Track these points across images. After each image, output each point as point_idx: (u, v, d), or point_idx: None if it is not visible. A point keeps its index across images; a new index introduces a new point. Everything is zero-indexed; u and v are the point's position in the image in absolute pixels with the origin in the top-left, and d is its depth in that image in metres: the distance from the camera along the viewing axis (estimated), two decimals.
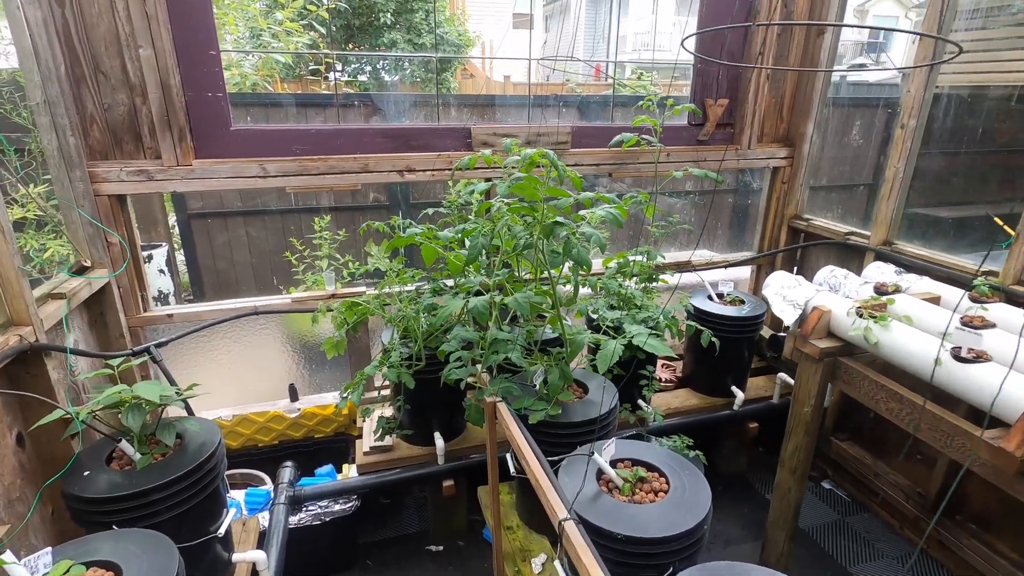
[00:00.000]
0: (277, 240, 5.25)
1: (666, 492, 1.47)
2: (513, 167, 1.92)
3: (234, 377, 2.79)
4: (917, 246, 2.58)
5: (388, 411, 2.56)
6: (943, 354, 1.69)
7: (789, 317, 2.20)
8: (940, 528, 2.45)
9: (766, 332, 3.18)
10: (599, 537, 1.32)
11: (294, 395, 2.80)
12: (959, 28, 2.52)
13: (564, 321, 1.93)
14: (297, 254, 4.18)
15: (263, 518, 2.24)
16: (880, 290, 2.21)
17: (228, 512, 1.80)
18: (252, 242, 5.24)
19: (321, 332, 2.87)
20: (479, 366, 1.91)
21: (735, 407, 2.87)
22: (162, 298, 4.89)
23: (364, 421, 2.63)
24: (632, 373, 2.50)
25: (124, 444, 1.60)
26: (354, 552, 2.58)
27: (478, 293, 1.87)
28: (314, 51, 6.71)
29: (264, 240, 5.23)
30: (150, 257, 4.74)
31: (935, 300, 2.19)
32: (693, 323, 2.28)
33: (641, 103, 2.58)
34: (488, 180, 2.57)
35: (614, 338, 1.85)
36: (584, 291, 2.56)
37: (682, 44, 1.10)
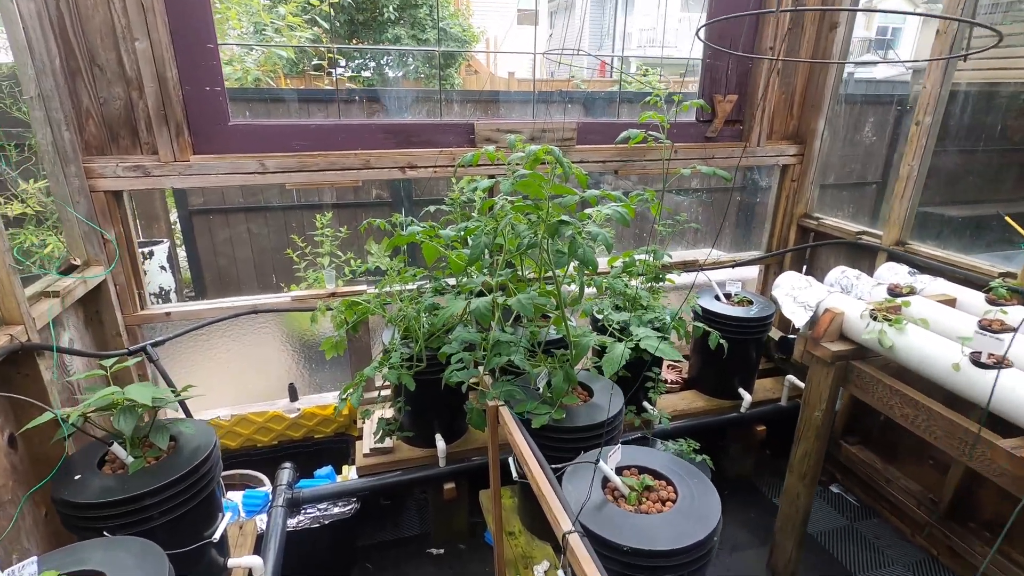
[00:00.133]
0: (279, 237, 5.21)
1: (674, 502, 1.42)
2: (517, 164, 1.87)
3: (233, 376, 2.75)
4: (931, 246, 2.52)
5: (388, 412, 2.51)
6: (962, 359, 1.63)
7: (800, 319, 2.14)
8: (952, 535, 2.39)
9: (775, 334, 3.12)
10: (604, 549, 1.27)
11: (294, 395, 2.76)
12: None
13: (569, 322, 1.88)
14: (298, 251, 4.14)
15: (261, 521, 2.20)
16: (894, 292, 2.15)
17: (224, 516, 1.76)
18: (254, 239, 5.21)
19: (321, 331, 2.82)
20: (481, 368, 1.86)
21: (742, 409, 2.82)
22: (163, 295, 4.86)
23: (364, 423, 2.59)
24: (638, 375, 2.46)
25: (116, 447, 1.55)
26: (353, 555, 2.54)
27: (481, 293, 1.82)
28: (314, 44, 6.65)
29: (266, 237, 5.20)
30: (151, 253, 4.70)
31: (951, 302, 2.13)
32: (701, 324, 2.23)
33: (648, 99, 2.52)
34: (492, 177, 2.52)
35: (620, 340, 1.80)
36: (589, 291, 2.50)
37: (696, 34, 1.05)
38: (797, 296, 2.22)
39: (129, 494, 1.46)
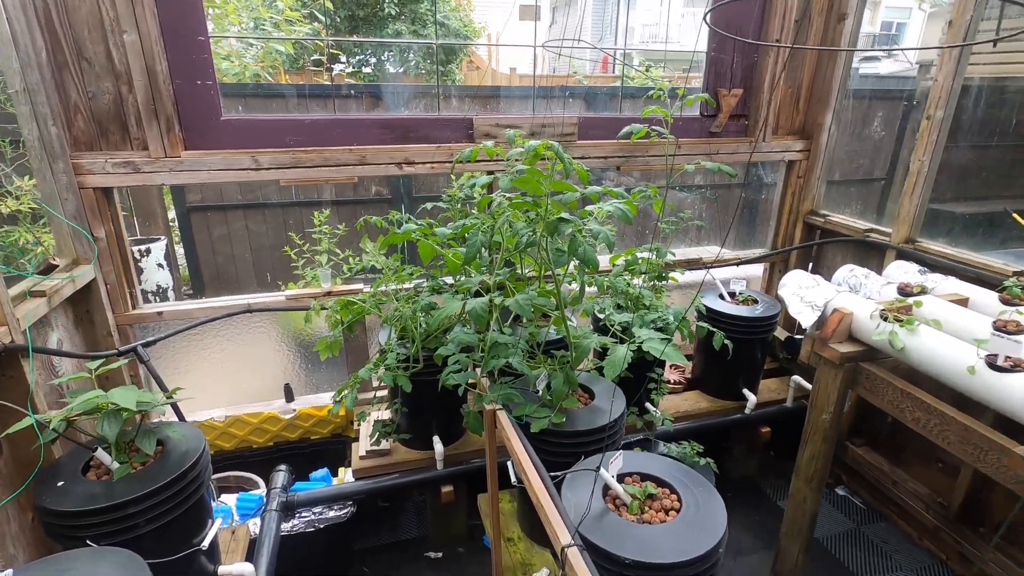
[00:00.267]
0: (277, 234, 5.17)
1: (677, 511, 1.37)
2: (516, 159, 1.81)
3: (228, 377, 2.70)
4: (942, 244, 2.45)
5: (385, 414, 2.46)
6: (977, 362, 1.57)
7: (807, 319, 2.08)
8: (962, 540, 2.34)
9: (781, 334, 3.06)
10: (605, 561, 1.22)
11: (290, 395, 2.71)
12: (991, 16, 2.38)
13: (569, 322, 1.82)
14: (296, 249, 4.09)
15: (254, 525, 2.15)
16: (904, 291, 2.09)
17: (214, 523, 1.71)
18: (252, 236, 5.16)
19: (318, 330, 2.77)
20: (479, 370, 1.81)
21: (747, 411, 2.76)
22: (161, 292, 4.82)
23: (360, 425, 2.53)
24: (640, 375, 2.40)
25: (100, 453, 1.51)
26: (349, 559, 2.49)
27: (479, 293, 1.76)
28: (311, 38, 6.58)
29: (264, 234, 5.15)
30: (148, 251, 4.66)
31: (963, 302, 2.07)
32: (705, 324, 2.17)
33: (652, 92, 2.45)
34: (491, 173, 2.46)
35: (623, 341, 1.74)
36: (590, 290, 2.45)
37: (704, 18, 0.99)
38: (804, 295, 2.16)
39: (113, 501, 1.41)
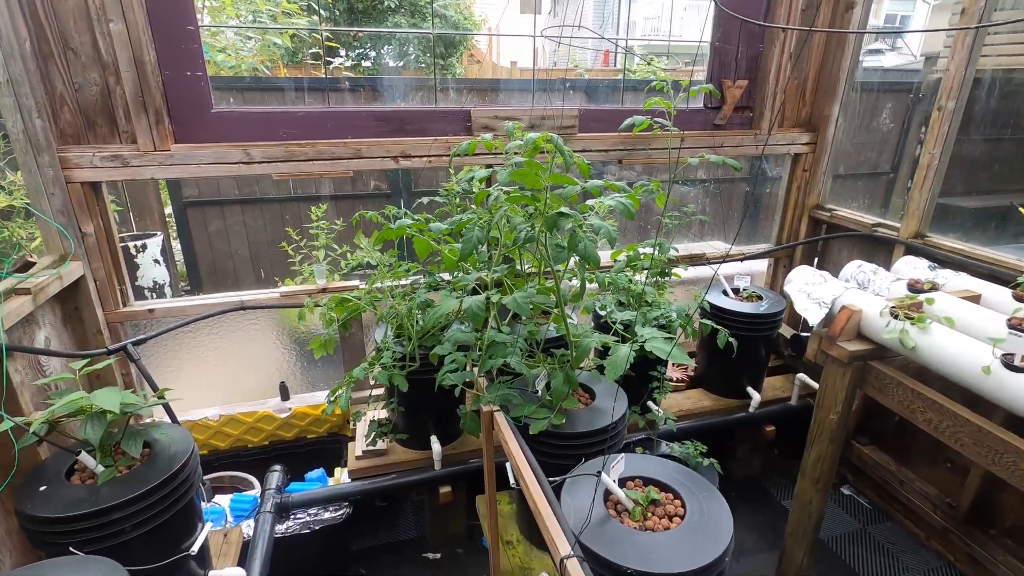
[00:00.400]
0: (275, 229, 5.11)
1: (682, 517, 1.31)
2: (515, 152, 1.75)
3: (222, 375, 2.65)
4: (952, 239, 2.39)
5: (382, 413, 2.41)
6: (993, 362, 1.51)
7: (814, 316, 2.02)
8: (971, 542, 2.29)
9: (786, 331, 3.01)
10: (606, 571, 1.17)
11: (285, 394, 2.66)
12: (1004, 7, 2.31)
13: (569, 320, 1.77)
14: (293, 244, 4.03)
15: (248, 527, 2.11)
16: (915, 287, 2.03)
17: (204, 527, 1.66)
18: (250, 232, 5.11)
19: (314, 328, 2.72)
20: (476, 369, 1.75)
21: (751, 409, 2.70)
22: (158, 288, 4.77)
23: (355, 425, 2.48)
24: (642, 374, 2.35)
25: (84, 456, 1.46)
26: (346, 560, 2.45)
27: (476, 291, 1.71)
28: (306, 28, 6.48)
29: (261, 230, 5.10)
30: (144, 247, 4.60)
31: (975, 298, 2.00)
32: (708, 322, 2.11)
33: (654, 83, 2.38)
34: (489, 167, 2.40)
35: (624, 339, 1.68)
36: (591, 286, 2.39)
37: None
38: (811, 292, 2.10)
39: (96, 507, 1.37)
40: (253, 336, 2.67)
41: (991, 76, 2.35)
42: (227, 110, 2.19)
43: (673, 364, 2.99)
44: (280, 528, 2.16)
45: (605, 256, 2.57)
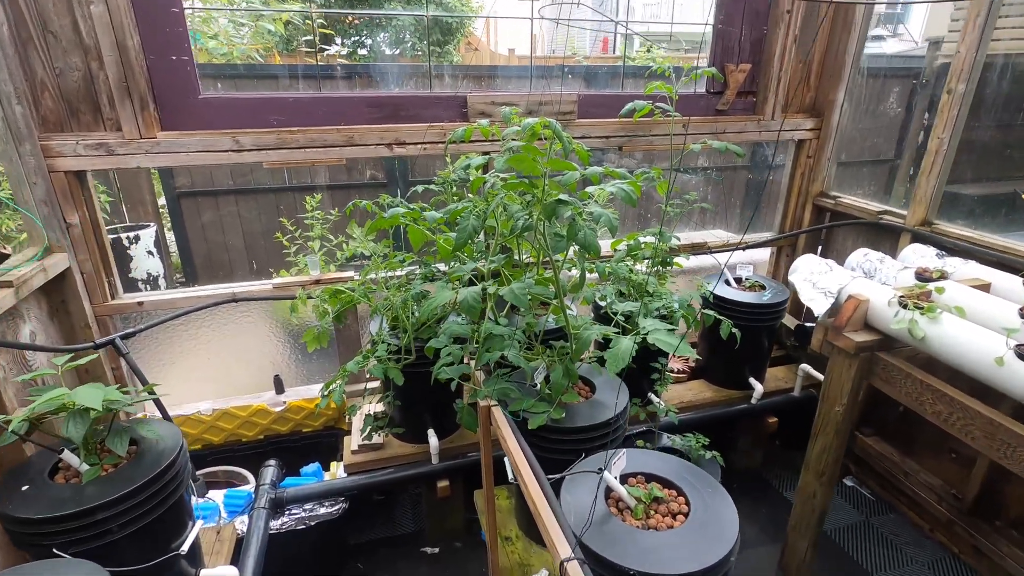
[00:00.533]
0: (270, 219, 5.04)
1: (685, 515, 1.27)
2: (512, 138, 1.69)
3: (215, 368, 2.61)
4: (960, 226, 2.33)
5: (378, 407, 2.37)
6: (1006, 352, 1.47)
7: (819, 306, 1.97)
8: (976, 533, 2.26)
9: (790, 321, 2.96)
10: (607, 571, 1.13)
11: (280, 387, 2.62)
12: None
13: (568, 311, 1.71)
14: (288, 235, 3.97)
15: (241, 523, 2.07)
16: (923, 276, 1.98)
17: (194, 525, 1.62)
18: (244, 222, 5.04)
19: (309, 320, 2.67)
20: (473, 362, 1.70)
21: (753, 400, 2.66)
22: (152, 281, 4.71)
23: (350, 419, 2.44)
24: (643, 365, 2.30)
25: (67, 455, 1.41)
26: (343, 555, 2.42)
27: (472, 282, 1.65)
28: (298, 9, 6.35)
29: (256, 220, 5.03)
30: (137, 238, 4.54)
31: (984, 287, 1.96)
32: (711, 312, 2.06)
33: (655, 68, 2.32)
34: (486, 154, 2.34)
35: (625, 331, 1.63)
36: (590, 276, 2.34)
37: None
38: (817, 281, 2.05)
39: (81, 507, 1.32)
40: (246, 329, 2.62)
41: (1003, 60, 2.27)
42: (214, 96, 2.12)
43: (674, 355, 2.94)
44: (275, 524, 2.12)
45: (605, 245, 2.52)
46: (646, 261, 2.36)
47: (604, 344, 1.57)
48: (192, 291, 2.34)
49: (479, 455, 2.30)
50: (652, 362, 2.28)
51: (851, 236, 2.89)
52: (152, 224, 4.85)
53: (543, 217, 1.34)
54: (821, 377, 2.65)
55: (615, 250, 2.32)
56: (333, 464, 2.42)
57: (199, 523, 1.63)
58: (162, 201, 5.25)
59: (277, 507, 2.12)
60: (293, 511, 2.18)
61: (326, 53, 6.94)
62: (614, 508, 1.31)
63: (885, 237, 2.65)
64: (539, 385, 1.71)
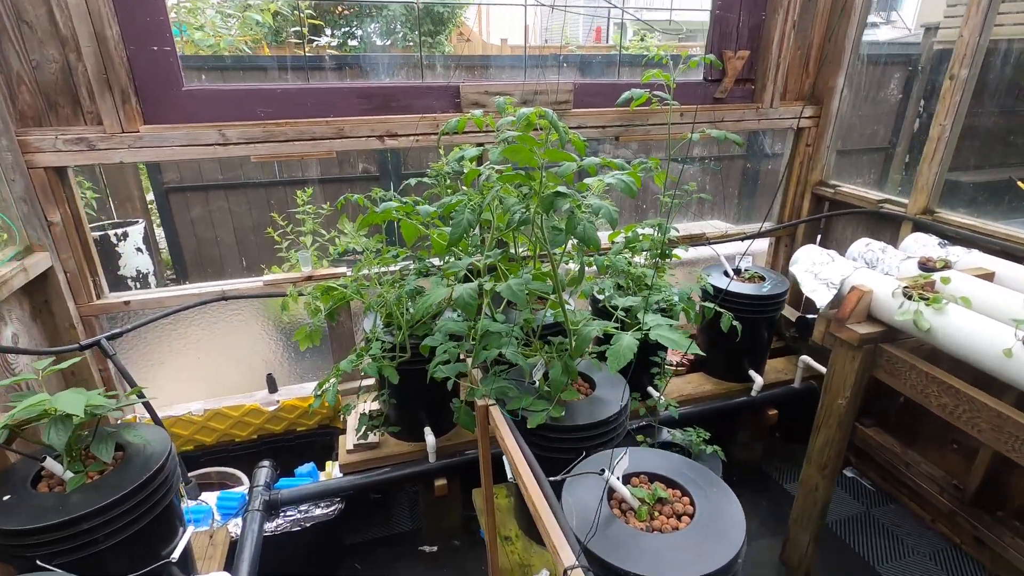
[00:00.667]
0: (261, 214, 4.97)
1: (691, 516, 1.24)
2: (507, 129, 1.64)
3: (206, 368, 2.55)
4: (962, 214, 2.30)
5: (373, 405, 2.33)
6: (1015, 344, 1.43)
7: (822, 298, 1.94)
8: (978, 524, 2.24)
9: (790, 313, 2.93)
10: None
11: (272, 386, 2.57)
12: None
13: (567, 307, 1.67)
14: (280, 230, 3.90)
15: (235, 526, 2.03)
16: (926, 266, 1.95)
17: (185, 531, 1.58)
18: (235, 217, 4.96)
19: (302, 317, 2.61)
20: (470, 360, 1.66)
21: (753, 393, 2.64)
22: (141, 278, 4.63)
23: (345, 418, 2.39)
24: (642, 358, 2.27)
25: (50, 462, 1.36)
26: (339, 555, 2.38)
27: (468, 277, 1.61)
28: None
29: (247, 215, 4.95)
30: (125, 235, 4.46)
31: (988, 276, 1.93)
32: (711, 305, 2.02)
33: (653, 55, 2.26)
34: (480, 145, 2.28)
35: (624, 325, 1.59)
36: (588, 269, 2.29)
37: None
38: (819, 272, 2.01)
39: (65, 517, 1.27)
40: (237, 327, 2.56)
41: (1006, 46, 2.23)
42: (199, 88, 2.05)
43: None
44: (270, 526, 2.08)
45: (602, 238, 2.47)
46: (644, 253, 2.32)
47: (603, 339, 1.53)
48: (180, 289, 2.28)
49: (477, 453, 2.27)
50: (651, 356, 2.24)
51: (851, 225, 2.85)
52: (140, 220, 4.77)
53: (541, 210, 1.30)
54: (821, 369, 2.62)
55: (612, 242, 2.28)
56: (328, 463, 2.38)
57: (190, 528, 1.59)
58: (150, 197, 5.16)
59: (272, 509, 2.08)
60: (288, 513, 2.14)
61: (316, 44, 6.82)
62: (617, 509, 1.27)
63: (885, 226, 2.61)
64: (537, 382, 1.67)
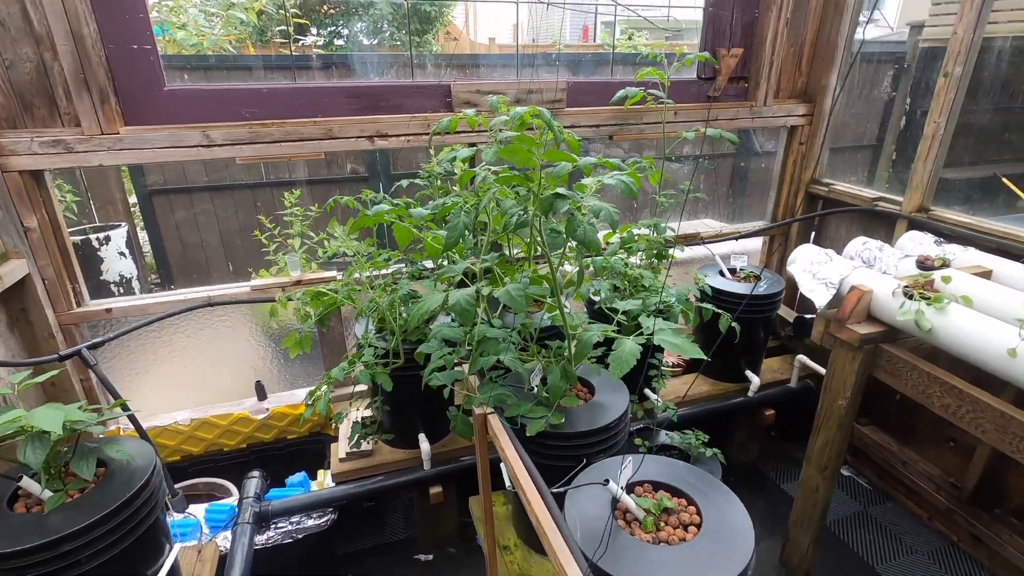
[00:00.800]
0: (248, 217, 4.88)
1: (698, 527, 1.20)
2: (500, 129, 1.59)
3: (192, 376, 2.48)
4: (958, 212, 2.29)
5: (366, 411, 2.27)
6: (1020, 344, 1.42)
7: (821, 298, 1.92)
8: (975, 522, 2.24)
9: (786, 313, 2.91)
10: None
11: (262, 393, 2.50)
12: None
13: (566, 311, 1.63)
14: (267, 233, 3.82)
15: (224, 539, 1.97)
16: (925, 265, 1.93)
17: (171, 549, 1.52)
18: (221, 220, 4.86)
19: (291, 322, 2.55)
20: (465, 366, 1.62)
21: (750, 393, 2.62)
22: (125, 283, 4.53)
23: (337, 426, 2.34)
24: (639, 361, 2.23)
25: (27, 481, 1.29)
26: (333, 567, 2.33)
27: (463, 282, 1.56)
28: None
29: (233, 217, 4.86)
30: (108, 239, 4.35)
31: (986, 274, 1.92)
32: (710, 306, 2.00)
33: (648, 53, 2.23)
34: (472, 145, 2.24)
35: (621, 327, 1.56)
36: (572, 269, 2.26)
37: None
38: (817, 272, 1.99)
39: (44, 539, 1.21)
40: (224, 333, 2.49)
41: (1000, 46, 2.22)
42: (181, 88, 1.98)
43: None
44: (260, 539, 2.02)
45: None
46: (640, 254, 2.29)
47: (600, 343, 1.50)
48: (165, 296, 2.21)
49: (472, 459, 2.23)
50: (649, 358, 2.20)
51: (844, 224, 2.84)
52: (123, 224, 4.66)
53: (539, 212, 1.25)
54: (818, 368, 2.62)
55: (607, 243, 2.24)
56: (320, 472, 2.32)
57: (177, 546, 1.53)
58: (133, 199, 5.04)
59: (262, 521, 2.02)
60: (279, 524, 2.08)
61: (301, 43, 6.73)
62: (621, 520, 1.23)
63: (880, 224, 2.61)
64: (536, 388, 1.63)
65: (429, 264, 2.19)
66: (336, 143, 2.14)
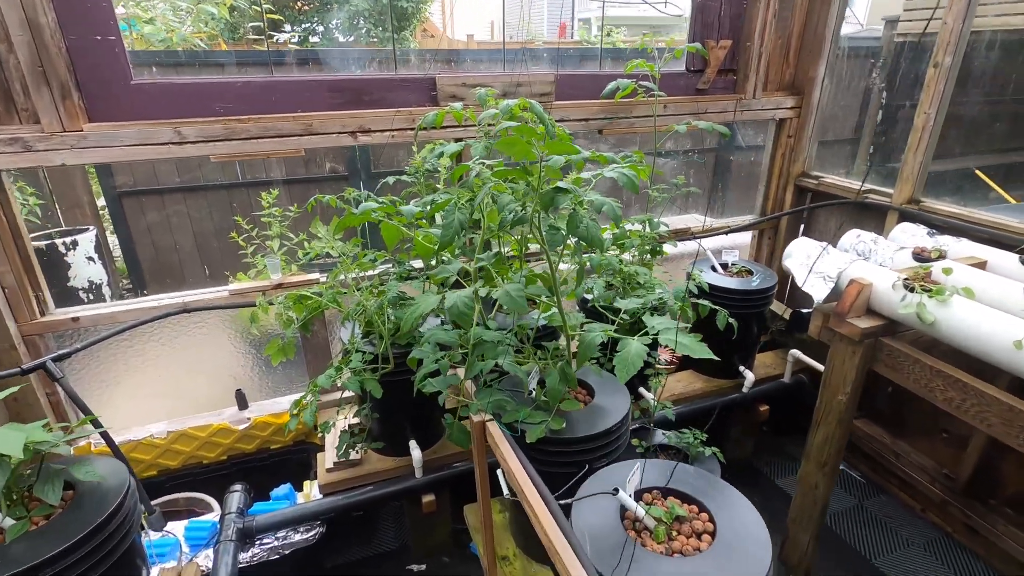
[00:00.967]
0: (223, 218, 4.72)
1: (711, 534, 1.15)
2: (489, 123, 1.52)
3: (168, 386, 2.36)
4: (949, 203, 2.29)
5: (354, 419, 2.18)
6: None
7: (819, 292, 1.89)
8: (970, 512, 2.24)
9: (778, 307, 2.89)
10: None
11: (243, 402, 2.40)
12: None
13: (564, 312, 1.57)
14: (244, 235, 3.69)
15: (207, 558, 1.87)
16: (921, 256, 1.92)
17: (149, 572, 1.41)
18: (194, 222, 4.70)
19: (273, 327, 2.44)
20: (459, 370, 1.54)
21: (744, 389, 2.59)
22: (94, 289, 4.34)
23: (323, 436, 2.24)
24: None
25: None
26: None
27: (457, 283, 1.49)
28: None
29: (207, 219, 4.69)
30: (75, 243, 4.17)
31: (980, 265, 1.90)
32: (705, 302, 1.95)
33: (638, 43, 2.18)
34: (459, 140, 2.16)
35: (618, 326, 1.50)
36: (566, 267, 2.20)
37: None
38: (813, 266, 1.96)
39: (5, 572, 1.11)
40: (200, 340, 2.38)
41: (989, 39, 2.22)
42: (150, 82, 1.87)
43: (663, 346, 2.84)
44: (244, 556, 1.92)
45: None
46: (632, 250, 2.24)
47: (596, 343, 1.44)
48: (136, 303, 2.09)
49: (466, 465, 2.15)
50: (646, 357, 2.16)
51: (834, 216, 2.83)
52: (91, 227, 4.47)
53: (539, 208, 1.19)
54: (811, 362, 2.60)
55: None
56: (306, 483, 2.22)
57: (155, 569, 1.43)
58: (102, 202, 4.84)
59: (246, 537, 1.92)
60: (265, 540, 1.98)
61: (276, 40, 6.55)
62: (631, 530, 1.17)
63: (870, 216, 2.60)
64: (534, 391, 1.56)
65: (417, 264, 2.11)
66: (317, 139, 2.05)
